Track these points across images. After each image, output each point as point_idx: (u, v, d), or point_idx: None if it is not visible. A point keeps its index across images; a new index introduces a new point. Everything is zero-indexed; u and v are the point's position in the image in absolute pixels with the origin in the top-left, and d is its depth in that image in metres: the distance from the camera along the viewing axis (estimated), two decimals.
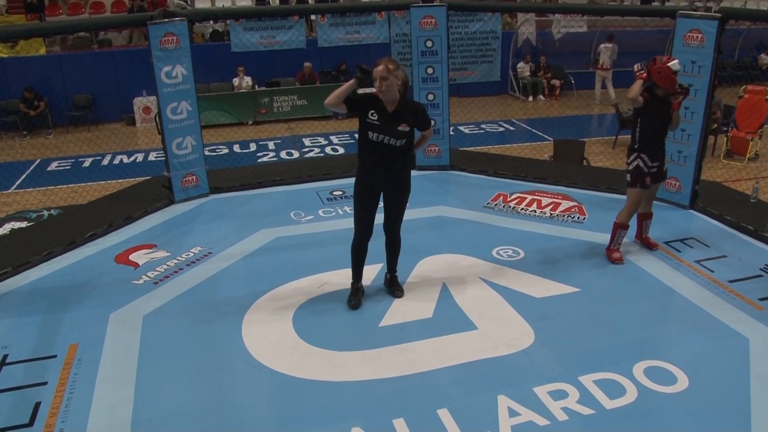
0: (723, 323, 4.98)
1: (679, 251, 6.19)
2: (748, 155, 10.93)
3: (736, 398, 4.12)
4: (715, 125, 10.94)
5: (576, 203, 7.41)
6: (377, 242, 5.30)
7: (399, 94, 4.80)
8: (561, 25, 16.79)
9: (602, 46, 16.19)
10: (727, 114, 11.62)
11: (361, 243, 5.23)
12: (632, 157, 5.86)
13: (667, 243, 6.38)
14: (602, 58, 16.06)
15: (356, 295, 5.35)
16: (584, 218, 7.02)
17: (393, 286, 5.49)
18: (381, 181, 5.02)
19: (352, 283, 5.39)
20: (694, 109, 6.84)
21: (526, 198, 7.57)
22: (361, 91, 4.88)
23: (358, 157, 5.01)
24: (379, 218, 5.21)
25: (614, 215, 7.01)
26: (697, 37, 6.65)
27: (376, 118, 4.80)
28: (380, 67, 4.69)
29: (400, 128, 4.82)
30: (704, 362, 4.50)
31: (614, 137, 12.39)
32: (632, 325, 5.00)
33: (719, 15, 6.52)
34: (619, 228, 6.02)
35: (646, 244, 6.31)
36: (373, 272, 5.76)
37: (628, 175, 5.93)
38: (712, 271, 5.80)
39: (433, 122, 5.32)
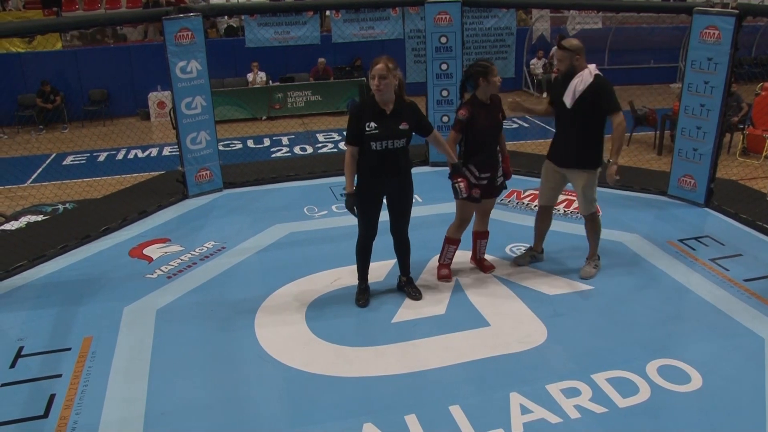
0: (738, 322, 4.94)
1: (694, 249, 6.15)
2: (764, 153, 10.83)
3: (750, 398, 4.09)
4: (735, 120, 10.84)
5: None
6: (387, 239, 5.31)
7: (395, 94, 4.80)
8: (576, 21, 16.68)
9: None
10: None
11: (368, 244, 5.22)
12: None
13: (681, 241, 6.34)
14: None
15: (364, 295, 5.35)
16: (598, 215, 6.98)
17: (410, 288, 5.44)
18: (387, 187, 5.01)
19: (359, 284, 5.39)
20: (710, 107, 6.78)
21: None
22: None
23: (360, 169, 4.91)
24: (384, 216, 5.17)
25: (628, 213, 7.01)
26: (714, 33, 6.60)
27: (374, 126, 4.74)
28: (380, 65, 4.67)
29: (401, 127, 4.81)
30: (718, 361, 4.46)
31: (629, 134, 12.32)
32: (646, 323, 4.97)
33: (736, 11, 6.46)
34: (447, 242, 5.64)
35: (480, 266, 5.86)
36: (385, 269, 5.77)
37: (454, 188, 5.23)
38: (727, 270, 5.76)
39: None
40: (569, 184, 5.67)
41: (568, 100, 5.24)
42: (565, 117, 5.37)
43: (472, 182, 5.35)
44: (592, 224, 5.66)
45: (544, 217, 5.87)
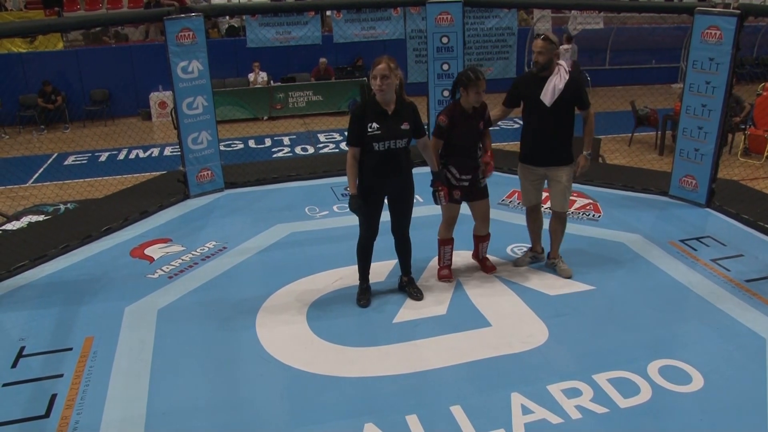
0: (739, 323, 4.94)
1: (695, 249, 6.15)
2: (766, 153, 10.83)
3: (752, 398, 4.09)
4: (737, 120, 10.84)
5: (591, 201, 7.38)
6: (388, 239, 5.31)
7: (395, 94, 4.81)
8: (577, 21, 16.68)
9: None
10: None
11: (369, 244, 5.22)
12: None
13: (683, 241, 6.33)
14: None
15: (365, 295, 5.35)
16: (599, 216, 6.99)
17: (411, 288, 5.43)
18: (388, 187, 5.02)
19: (360, 284, 5.39)
20: (712, 107, 6.78)
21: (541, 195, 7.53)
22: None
23: (362, 170, 4.92)
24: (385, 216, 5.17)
25: (629, 213, 7.01)
26: (716, 33, 6.59)
27: (376, 127, 4.77)
28: (382, 65, 4.68)
29: (402, 127, 4.84)
30: (720, 362, 4.46)
31: (630, 135, 12.32)
32: (647, 323, 4.97)
33: (738, 11, 6.45)
34: (441, 244, 5.65)
35: (482, 266, 5.85)
36: (386, 268, 5.77)
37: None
38: (729, 270, 5.75)
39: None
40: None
41: (547, 98, 5.21)
42: (541, 116, 5.31)
43: (453, 183, 5.36)
44: (564, 221, 5.72)
45: (533, 217, 5.86)
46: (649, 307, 5.20)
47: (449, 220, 5.57)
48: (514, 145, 11.44)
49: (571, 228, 6.60)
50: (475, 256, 5.91)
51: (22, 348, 4.83)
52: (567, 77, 5.20)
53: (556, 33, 17.09)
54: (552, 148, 5.39)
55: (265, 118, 15.56)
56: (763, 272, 5.71)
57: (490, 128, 5.49)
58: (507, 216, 7.02)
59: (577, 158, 5.51)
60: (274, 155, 12.20)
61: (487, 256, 5.87)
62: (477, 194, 5.49)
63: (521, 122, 5.56)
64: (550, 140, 5.38)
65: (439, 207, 5.48)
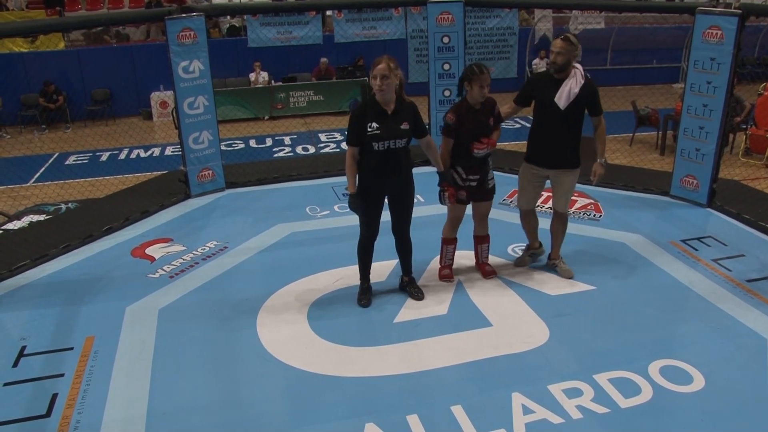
0: (740, 323, 4.94)
1: (696, 249, 6.14)
2: (767, 153, 10.81)
3: (753, 398, 4.09)
4: (738, 120, 10.83)
5: (592, 200, 7.38)
6: (388, 240, 5.31)
7: (395, 94, 4.81)
8: (578, 21, 16.67)
9: None
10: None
11: (369, 244, 5.22)
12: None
13: (684, 241, 6.33)
14: None
15: (366, 294, 5.35)
16: (600, 216, 6.98)
17: (412, 288, 5.44)
18: (388, 187, 5.02)
19: (361, 284, 5.39)
20: (713, 107, 6.77)
21: (542, 195, 7.52)
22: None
23: (362, 169, 4.92)
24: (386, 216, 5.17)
25: (631, 213, 7.01)
26: (717, 33, 6.59)
27: (376, 126, 4.76)
28: (382, 65, 4.68)
29: (402, 127, 4.83)
30: (721, 362, 4.46)
31: (631, 135, 12.31)
32: (648, 323, 4.97)
33: (739, 11, 6.45)
34: (444, 243, 5.63)
35: (481, 271, 5.77)
36: (387, 269, 5.77)
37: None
38: (730, 270, 5.75)
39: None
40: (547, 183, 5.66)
41: (562, 101, 5.17)
42: (554, 118, 5.26)
43: (459, 184, 5.35)
44: (565, 221, 5.72)
45: (528, 218, 5.84)
46: (650, 307, 5.20)
47: (454, 221, 5.57)
48: (514, 145, 11.44)
49: (572, 228, 6.60)
50: (476, 261, 5.89)
51: (23, 347, 4.83)
52: (583, 81, 5.16)
53: (562, 32, 17.15)
54: (561, 151, 5.36)
55: (266, 117, 15.55)
56: (764, 272, 5.71)
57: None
58: (507, 216, 7.01)
59: (585, 163, 5.47)
60: (275, 155, 12.20)
61: (488, 261, 5.84)
62: (483, 195, 5.49)
63: (522, 122, 5.55)
64: (560, 143, 5.34)
65: (441, 207, 5.48)
